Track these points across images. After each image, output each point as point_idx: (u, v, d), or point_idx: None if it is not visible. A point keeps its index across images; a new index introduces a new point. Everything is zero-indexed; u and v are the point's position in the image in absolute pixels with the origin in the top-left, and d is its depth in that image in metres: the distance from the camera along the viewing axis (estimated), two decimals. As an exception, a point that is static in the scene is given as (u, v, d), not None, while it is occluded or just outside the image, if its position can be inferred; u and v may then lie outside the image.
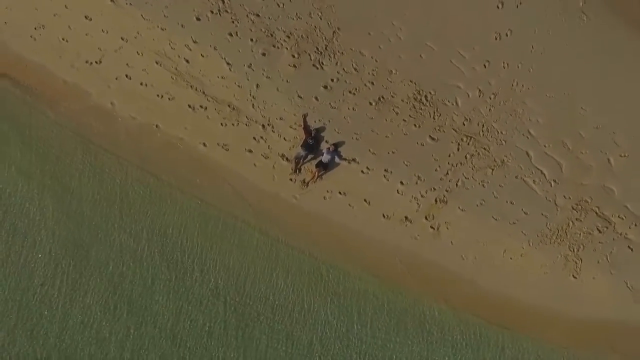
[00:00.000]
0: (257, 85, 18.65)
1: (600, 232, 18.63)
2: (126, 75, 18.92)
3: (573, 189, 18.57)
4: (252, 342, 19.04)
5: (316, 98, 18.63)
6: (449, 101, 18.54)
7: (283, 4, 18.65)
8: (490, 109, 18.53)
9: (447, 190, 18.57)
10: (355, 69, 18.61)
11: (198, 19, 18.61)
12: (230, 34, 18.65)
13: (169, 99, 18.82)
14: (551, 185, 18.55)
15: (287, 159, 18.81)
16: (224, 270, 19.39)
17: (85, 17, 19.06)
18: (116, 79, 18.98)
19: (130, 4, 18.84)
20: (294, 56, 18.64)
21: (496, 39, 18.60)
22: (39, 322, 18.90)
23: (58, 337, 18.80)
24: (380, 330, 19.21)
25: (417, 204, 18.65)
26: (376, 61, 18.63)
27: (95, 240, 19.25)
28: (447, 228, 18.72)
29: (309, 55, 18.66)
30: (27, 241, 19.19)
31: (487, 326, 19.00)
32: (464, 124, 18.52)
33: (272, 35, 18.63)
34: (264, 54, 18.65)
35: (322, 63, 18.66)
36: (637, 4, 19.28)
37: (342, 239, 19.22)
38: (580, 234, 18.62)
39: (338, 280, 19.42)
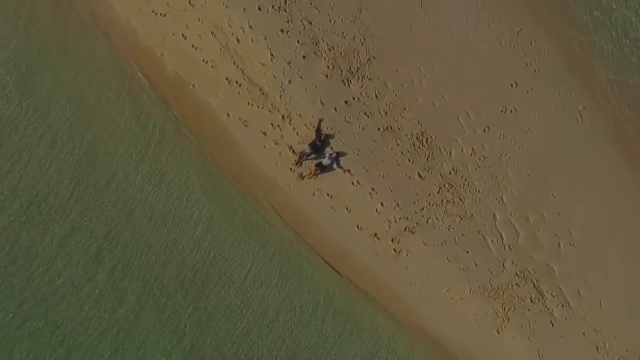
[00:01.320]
0: (290, 81, 21.01)
1: (532, 301, 21.25)
2: (182, 35, 21.18)
3: (522, 258, 21.15)
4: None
5: (335, 109, 21.04)
6: (444, 149, 21.04)
7: (334, 21, 21.06)
8: (476, 168, 21.07)
9: (417, 223, 21.06)
10: (375, 96, 21.05)
11: (259, 9, 20.93)
12: (282, 31, 20.99)
13: (211, 66, 21.15)
14: (505, 249, 21.14)
15: (293, 151, 21.18)
16: (206, 228, 22.01)
17: (163, -26, 21.52)
18: (173, 34, 21.24)
19: (207, -23, 21.33)
20: (328, 67, 21.04)
21: (502, 111, 21.14)
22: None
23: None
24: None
25: (389, 226, 21.13)
26: (395, 95, 21.07)
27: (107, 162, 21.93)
28: (407, 255, 21.22)
29: (342, 71, 21.06)
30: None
31: (408, 340, 21.89)
32: (450, 173, 21.04)
33: (316, 43, 21.02)
34: (304, 57, 21.03)
35: (350, 81, 21.07)
36: (631, 129, 21.87)
37: (316, 232, 21.81)
38: (515, 298, 21.22)
39: (298, 264, 22.07)
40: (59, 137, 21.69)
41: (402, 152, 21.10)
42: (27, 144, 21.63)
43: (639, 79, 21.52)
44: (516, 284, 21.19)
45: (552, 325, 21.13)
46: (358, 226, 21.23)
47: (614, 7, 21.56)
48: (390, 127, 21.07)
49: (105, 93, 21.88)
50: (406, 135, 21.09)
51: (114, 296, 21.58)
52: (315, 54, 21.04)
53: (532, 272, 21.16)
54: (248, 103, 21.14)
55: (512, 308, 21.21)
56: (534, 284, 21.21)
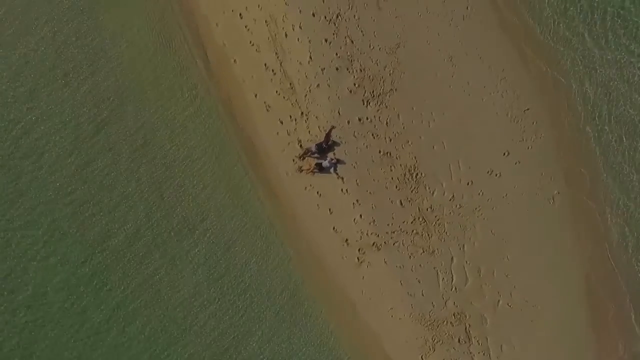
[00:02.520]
0: (318, 85, 23.36)
1: (459, 342, 23.82)
2: (240, 14, 23.38)
3: (463, 302, 23.71)
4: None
5: (348, 122, 23.43)
6: (429, 188, 23.55)
7: (373, 47, 23.45)
8: (450, 213, 23.59)
9: (385, 243, 23.52)
10: (386, 123, 23.48)
11: (313, 15, 23.26)
12: (326, 40, 23.33)
13: (256, 50, 23.44)
14: (451, 289, 23.69)
15: (301, 145, 23.50)
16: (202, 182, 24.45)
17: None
18: (232, 11, 23.43)
19: (280, -27, 23.67)
20: (354, 85, 23.44)
21: (488, 172, 23.67)
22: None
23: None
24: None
25: (360, 237, 23.56)
26: (403, 128, 23.50)
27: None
28: (367, 266, 23.68)
29: (365, 91, 23.45)
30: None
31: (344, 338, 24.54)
32: (427, 209, 23.55)
33: (351, 61, 23.39)
34: (337, 69, 23.37)
35: (369, 103, 23.47)
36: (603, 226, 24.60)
37: (295, 222, 24.21)
38: (446, 334, 23.77)
39: (267, 238, 24.48)
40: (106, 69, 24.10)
41: (392, 178, 23.55)
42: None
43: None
44: (451, 322, 23.74)
45: (470, 367, 23.81)
46: (334, 228, 23.66)
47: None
48: (390, 154, 23.51)
49: (156, 43, 24.13)
50: (401, 165, 23.55)
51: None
52: (347, 69, 23.42)
53: (467, 317, 23.73)
54: (276, 92, 23.48)
55: (441, 342, 23.76)
56: (465, 328, 23.78)
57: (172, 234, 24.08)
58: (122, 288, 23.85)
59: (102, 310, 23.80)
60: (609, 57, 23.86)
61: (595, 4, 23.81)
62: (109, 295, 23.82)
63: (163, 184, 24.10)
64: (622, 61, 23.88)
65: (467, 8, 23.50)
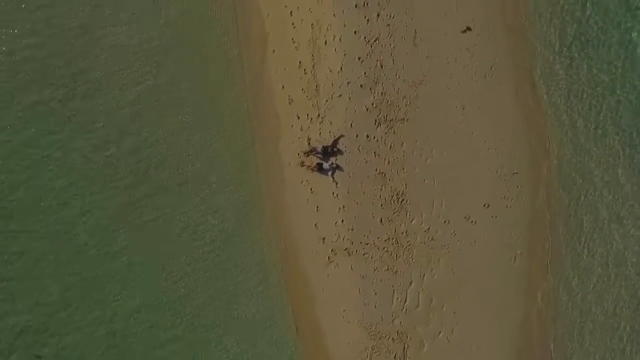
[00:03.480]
0: (340, 95, 25.43)
1: (394, 358, 26.01)
2: (291, 12, 25.37)
3: (409, 324, 25.85)
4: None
5: (357, 135, 25.55)
6: (409, 215, 25.72)
7: (398, 77, 25.54)
8: (421, 242, 25.77)
9: (356, 251, 25.66)
10: (390, 147, 25.62)
11: (355, 33, 25.43)
12: (359, 58, 25.39)
13: (295, 47, 25.52)
14: (402, 310, 25.84)
15: (309, 143, 25.56)
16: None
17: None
18: (285, 6, 25.50)
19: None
20: (372, 105, 25.52)
21: (465, 217, 25.89)
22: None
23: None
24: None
25: (336, 239, 25.64)
26: (403, 155, 25.64)
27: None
28: (334, 267, 25.80)
29: (379, 113, 25.49)
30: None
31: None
32: (402, 233, 25.71)
33: (376, 83, 25.49)
34: (361, 86, 25.49)
35: (380, 124, 25.57)
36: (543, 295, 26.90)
37: (282, 208, 26.19)
38: (385, 347, 25.88)
39: (252, 217, 26.48)
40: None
41: (380, 196, 25.69)
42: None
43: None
44: (393, 338, 25.88)
45: (397, 383, 26.00)
46: (316, 224, 25.77)
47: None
48: (384, 174, 25.65)
49: (209, 18, 26.23)
50: (391, 187, 25.69)
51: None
52: (370, 89, 25.54)
53: (408, 338, 25.89)
54: (302, 89, 25.56)
55: (378, 353, 25.90)
56: (404, 347, 25.93)
57: (175, 186, 26.15)
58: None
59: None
60: (595, 152, 26.34)
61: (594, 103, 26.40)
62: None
63: (175, 139, 26.13)
64: (607, 162, 26.38)
65: (491, 68, 25.74)
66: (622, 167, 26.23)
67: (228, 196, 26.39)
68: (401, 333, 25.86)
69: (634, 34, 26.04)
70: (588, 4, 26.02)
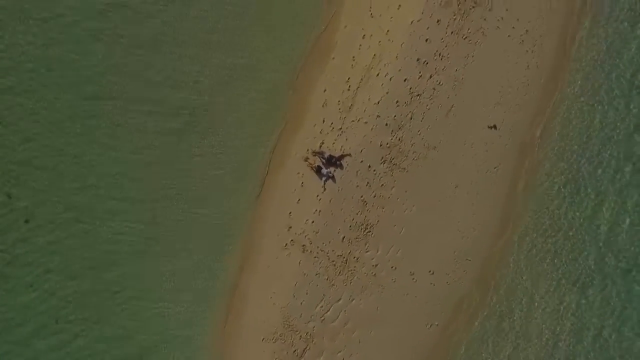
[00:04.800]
0: (366, 122, 27.85)
1: (293, 353, 28.73)
2: (363, 35, 27.94)
3: (319, 332, 28.72)
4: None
5: (361, 161, 28.16)
6: (367, 246, 28.57)
7: (419, 133, 28.28)
8: (364, 273, 28.66)
9: (310, 251, 28.34)
10: (382, 185, 28.36)
11: (404, 80, 28.10)
12: (397, 102, 28.03)
13: (351, 65, 27.97)
14: (320, 317, 28.67)
15: (320, 146, 28.18)
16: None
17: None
18: (362, 28, 27.90)
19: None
20: (387, 144, 28.08)
21: (410, 273, 28.99)
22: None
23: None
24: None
25: (300, 233, 28.30)
26: (389, 197, 28.43)
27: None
28: (286, 255, 28.41)
29: (389, 154, 28.15)
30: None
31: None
32: (354, 257, 28.52)
33: (399, 128, 28.01)
34: (386, 124, 27.98)
35: (384, 163, 28.24)
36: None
37: (270, 185, 28.84)
38: (290, 340, 28.70)
39: (243, 176, 28.86)
40: None
41: (352, 219, 28.58)
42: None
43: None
44: (300, 336, 28.74)
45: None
46: (290, 213, 28.59)
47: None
48: (366, 203, 28.59)
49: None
50: (365, 217, 28.64)
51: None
52: (392, 130, 28.38)
53: (312, 342, 28.74)
54: (338, 101, 28.36)
55: (282, 341, 28.74)
56: (305, 348, 28.79)
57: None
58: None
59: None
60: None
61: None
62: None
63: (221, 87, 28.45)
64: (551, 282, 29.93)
65: (495, 169, 29.00)
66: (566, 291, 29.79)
67: (239, 142, 28.62)
68: (309, 335, 28.75)
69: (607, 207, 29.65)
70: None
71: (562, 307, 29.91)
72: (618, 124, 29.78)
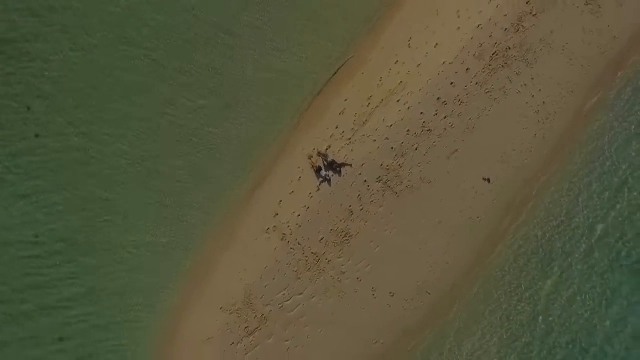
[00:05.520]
0: (374, 140, 29.61)
1: (245, 329, 29.99)
2: (396, 61, 29.54)
3: (274, 318, 30.13)
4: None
5: (359, 174, 29.86)
6: (341, 253, 30.16)
7: (419, 165, 30.09)
8: (332, 276, 30.24)
9: (289, 242, 29.73)
10: (372, 202, 30.10)
11: (421, 113, 30.01)
12: (408, 131, 29.67)
13: (377, 85, 29.56)
14: (279, 304, 30.13)
15: (326, 149, 29.63)
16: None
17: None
18: (396, 54, 29.52)
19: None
20: (387, 166, 29.94)
21: (372, 288, 30.69)
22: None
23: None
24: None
25: (284, 223, 29.75)
26: (375, 215, 30.17)
27: None
28: (265, 238, 29.70)
29: (386, 175, 29.98)
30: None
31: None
32: (326, 259, 30.11)
33: (403, 155, 29.76)
34: (392, 148, 29.73)
35: (379, 182, 29.99)
36: None
37: (269, 168, 30.05)
38: (245, 316, 29.91)
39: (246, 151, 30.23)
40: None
41: (335, 224, 30.18)
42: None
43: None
44: (256, 316, 29.99)
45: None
46: (280, 201, 30.05)
47: None
48: (352, 214, 30.23)
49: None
50: (347, 226, 30.22)
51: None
52: (395, 155, 30.01)
53: (265, 324, 30.11)
54: (355, 114, 29.84)
55: (238, 316, 29.92)
56: (256, 328, 30.04)
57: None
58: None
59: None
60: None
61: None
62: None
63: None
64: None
65: (477, 218, 30.85)
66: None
67: (258, 120, 29.85)
68: (264, 318, 30.25)
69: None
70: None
71: (497, 360, 31.87)
72: (597, 217, 31.90)
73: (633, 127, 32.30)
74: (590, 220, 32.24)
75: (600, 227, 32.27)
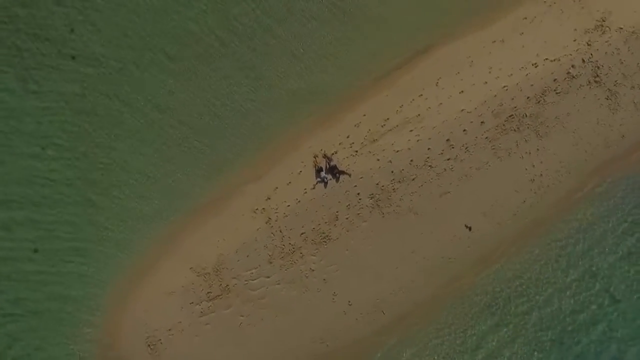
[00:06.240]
0: (378, 160, 31.23)
1: (206, 294, 31.38)
2: (421, 94, 31.64)
3: (237, 291, 31.37)
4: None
5: (355, 186, 31.41)
6: (316, 251, 31.39)
7: (411, 195, 31.68)
8: (300, 270, 31.58)
9: (272, 227, 31.13)
10: (359, 214, 31.68)
11: (428, 149, 31.72)
12: (411, 161, 31.51)
13: (396, 111, 31.45)
14: (244, 281, 31.56)
15: (333, 153, 31.22)
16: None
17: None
18: (420, 96, 31.89)
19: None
20: (382, 186, 31.47)
21: (333, 293, 32.32)
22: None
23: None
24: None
25: (273, 208, 31.22)
26: (357, 227, 31.67)
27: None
28: (251, 216, 31.13)
29: (379, 194, 31.47)
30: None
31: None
32: (300, 253, 31.47)
33: (400, 182, 31.36)
34: (392, 171, 31.49)
35: (371, 198, 31.54)
36: None
37: (272, 153, 31.82)
38: (210, 283, 31.22)
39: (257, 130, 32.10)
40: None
41: (319, 225, 31.51)
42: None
43: None
44: (220, 285, 31.12)
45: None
46: (276, 188, 31.51)
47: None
48: (337, 219, 31.67)
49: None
50: (330, 229, 31.55)
51: None
52: (393, 179, 31.59)
53: (226, 295, 31.26)
54: (369, 130, 31.47)
55: (204, 280, 31.21)
56: (216, 296, 31.19)
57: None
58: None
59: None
60: None
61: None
62: None
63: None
64: None
65: (449, 259, 32.60)
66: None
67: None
68: (228, 289, 31.49)
69: None
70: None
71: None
72: (556, 291, 33.95)
73: (610, 224, 34.07)
74: (549, 292, 33.96)
75: (556, 301, 34.04)
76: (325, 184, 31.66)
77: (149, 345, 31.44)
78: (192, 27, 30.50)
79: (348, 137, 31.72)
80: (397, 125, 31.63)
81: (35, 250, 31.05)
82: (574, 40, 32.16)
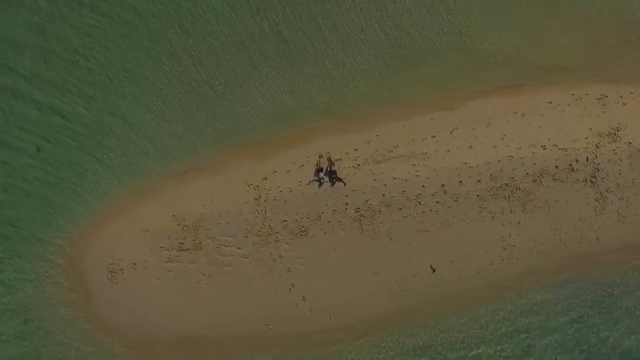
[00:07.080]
0: (375, 180, 33.16)
1: (177, 248, 33.19)
2: (433, 137, 33.96)
3: (207, 251, 33.07)
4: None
5: (345, 195, 33.25)
6: (292, 241, 33.04)
7: (398, 220, 33.65)
8: (270, 255, 33.18)
9: (258, 205, 32.96)
10: (340, 222, 33.38)
11: (422, 186, 33.78)
12: (406, 180, 33.78)
13: (407, 142, 33.60)
14: (217, 245, 33.11)
15: (337, 159, 33.12)
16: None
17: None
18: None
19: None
20: (372, 204, 33.36)
21: (291, 284, 34.02)
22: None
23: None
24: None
25: (266, 190, 33.06)
26: (335, 234, 33.23)
27: None
28: (243, 191, 33.09)
29: (365, 210, 33.29)
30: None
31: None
32: (275, 238, 33.08)
33: (389, 205, 33.47)
34: (384, 194, 33.57)
35: (356, 211, 33.33)
36: None
37: (273, 143, 34.06)
38: (185, 236, 33.01)
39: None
40: None
41: (302, 219, 33.11)
42: None
43: None
44: (194, 240, 32.82)
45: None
46: (275, 172, 33.33)
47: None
48: (320, 218, 33.19)
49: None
50: (310, 226, 33.15)
51: None
52: (381, 202, 33.28)
53: (197, 251, 32.99)
54: (376, 150, 33.41)
55: (183, 229, 32.94)
56: (187, 249, 32.88)
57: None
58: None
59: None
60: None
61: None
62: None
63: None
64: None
65: (406, 290, 34.19)
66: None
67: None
68: (199, 246, 32.71)
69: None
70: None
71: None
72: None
73: (561, 319, 35.59)
74: (490, 352, 35.62)
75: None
76: (320, 184, 33.40)
77: (110, 271, 32.94)
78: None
79: (356, 149, 33.58)
80: (402, 155, 33.52)
81: (38, 150, 32.52)
82: (586, 138, 34.27)
